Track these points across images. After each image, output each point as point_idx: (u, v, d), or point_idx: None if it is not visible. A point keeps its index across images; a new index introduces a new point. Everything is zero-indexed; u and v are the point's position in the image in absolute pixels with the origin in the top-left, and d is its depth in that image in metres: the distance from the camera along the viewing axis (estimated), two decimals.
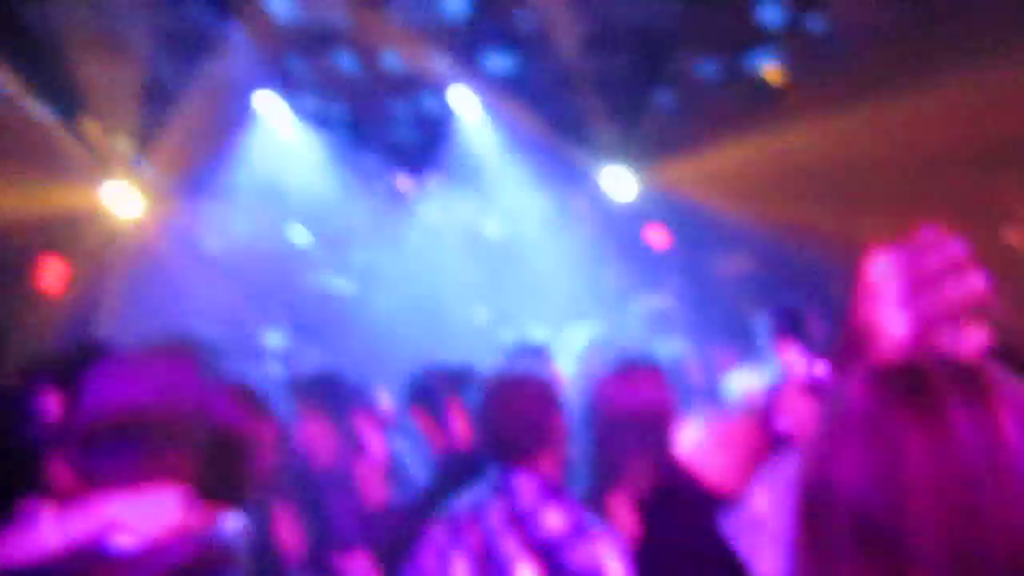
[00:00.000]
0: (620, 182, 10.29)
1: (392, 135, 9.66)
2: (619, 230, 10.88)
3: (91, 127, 8.73)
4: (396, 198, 10.79)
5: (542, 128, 9.32)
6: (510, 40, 7.34)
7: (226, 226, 10.18)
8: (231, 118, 8.84)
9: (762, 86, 8.84)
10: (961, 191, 7.80)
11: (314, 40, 7.48)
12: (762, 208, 9.39)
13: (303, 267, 10.58)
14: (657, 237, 10.96)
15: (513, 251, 11.00)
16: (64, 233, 9.49)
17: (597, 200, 10.90)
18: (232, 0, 7.17)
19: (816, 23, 7.49)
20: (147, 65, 7.68)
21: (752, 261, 9.94)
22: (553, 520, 2.00)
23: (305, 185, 9.81)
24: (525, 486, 2.11)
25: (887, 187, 8.07)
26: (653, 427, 2.24)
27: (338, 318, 9.71)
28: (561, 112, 9.20)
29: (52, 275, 9.88)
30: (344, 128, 9.34)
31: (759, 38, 7.80)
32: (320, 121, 9.24)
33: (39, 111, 7.92)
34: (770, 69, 8.66)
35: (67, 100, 8.11)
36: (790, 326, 3.59)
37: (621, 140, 10.14)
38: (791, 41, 7.85)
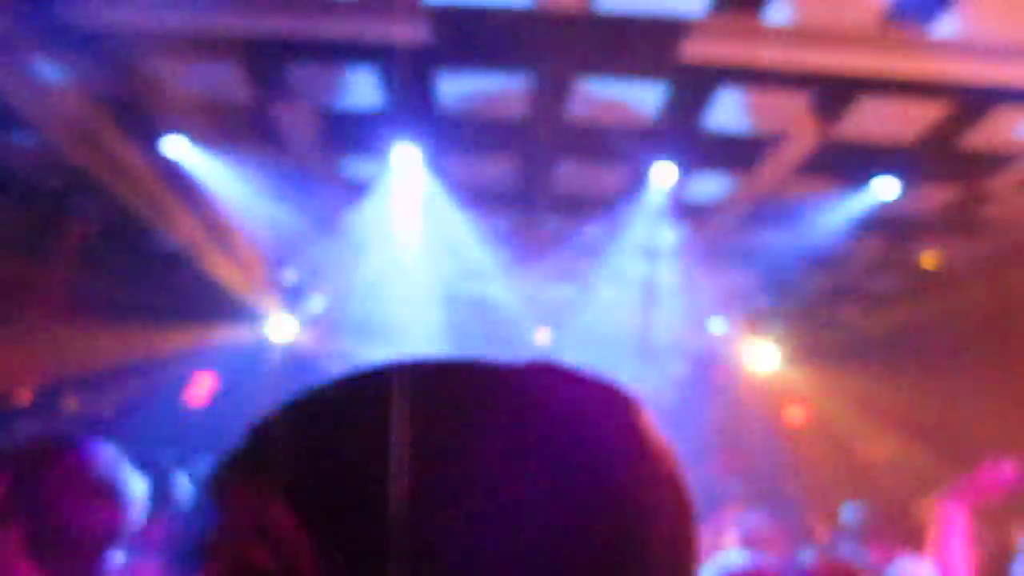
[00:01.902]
0: (763, 354, 10.48)
1: None
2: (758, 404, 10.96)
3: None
4: None
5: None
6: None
7: None
8: None
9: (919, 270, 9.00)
10: None
11: None
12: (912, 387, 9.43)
13: None
14: (797, 414, 10.99)
15: None
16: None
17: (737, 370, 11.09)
18: None
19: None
20: None
21: (899, 444, 9.80)
22: None
23: None
24: None
25: None
26: None
27: None
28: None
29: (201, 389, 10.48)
30: None
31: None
32: None
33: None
34: (928, 254, 8.83)
35: None
36: None
37: (769, 313, 10.42)
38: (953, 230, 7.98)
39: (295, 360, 10.91)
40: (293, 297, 10.74)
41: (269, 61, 5.35)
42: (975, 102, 5.41)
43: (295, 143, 6.32)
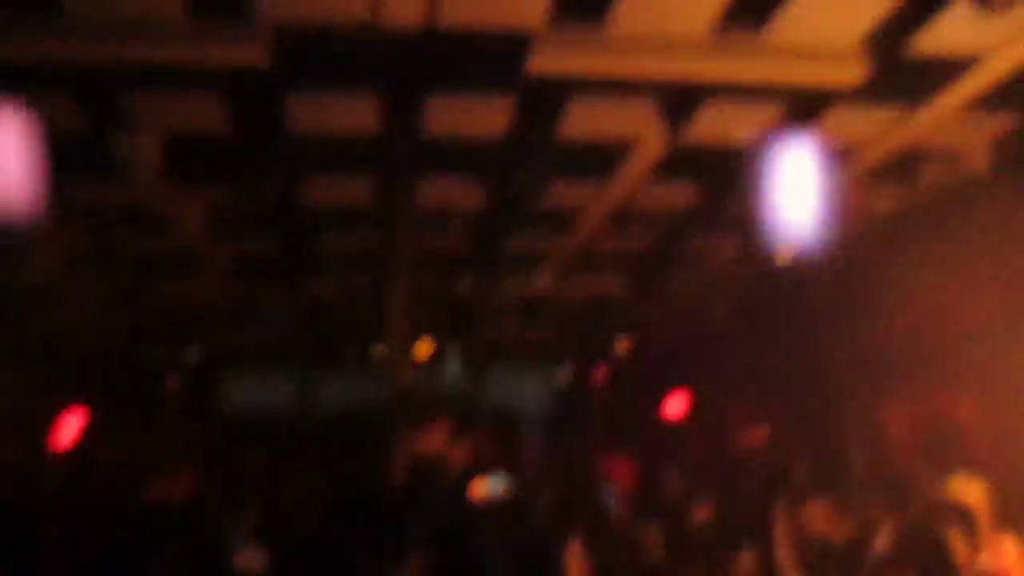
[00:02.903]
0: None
1: None
2: None
3: None
4: None
5: None
6: None
7: None
8: None
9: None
10: None
11: None
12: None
13: None
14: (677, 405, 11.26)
15: None
16: None
17: None
18: None
19: None
20: None
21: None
22: None
23: None
24: None
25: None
26: None
27: None
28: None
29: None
30: None
31: None
32: None
33: None
34: None
35: None
36: None
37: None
38: None
39: None
40: None
41: (103, 90, 5.13)
42: (808, 103, 5.66)
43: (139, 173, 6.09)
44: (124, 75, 4.99)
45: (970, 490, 3.94)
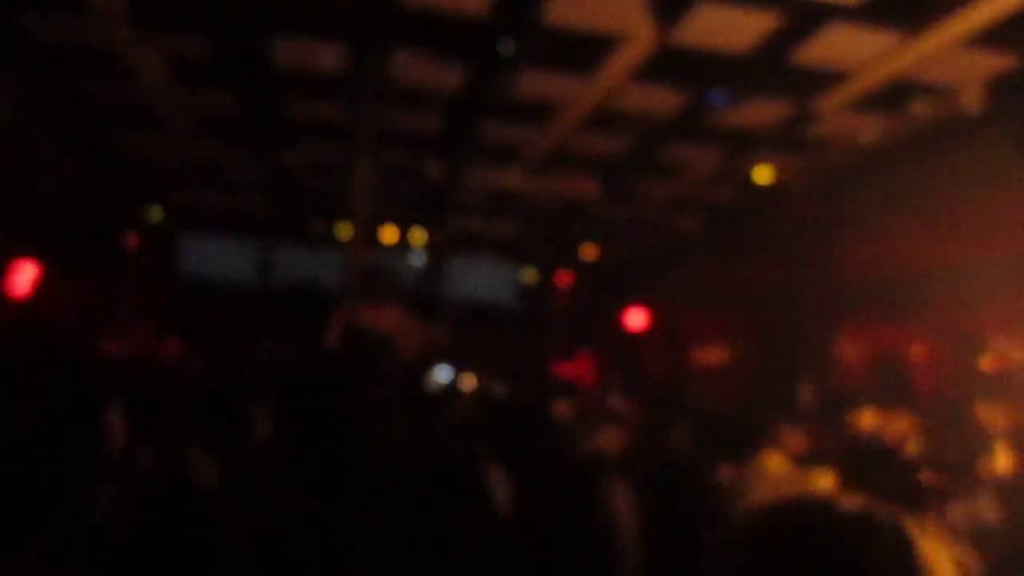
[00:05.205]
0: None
1: None
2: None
3: None
4: None
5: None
6: None
7: None
8: None
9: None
10: None
11: None
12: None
13: None
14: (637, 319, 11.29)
15: None
16: None
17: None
18: None
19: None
20: None
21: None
22: None
23: None
24: None
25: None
26: None
27: None
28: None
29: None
30: None
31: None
32: None
33: None
34: (761, 169, 8.88)
35: None
36: None
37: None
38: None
39: None
40: None
41: None
42: (807, 15, 5.43)
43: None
44: None
45: (897, 425, 3.92)
